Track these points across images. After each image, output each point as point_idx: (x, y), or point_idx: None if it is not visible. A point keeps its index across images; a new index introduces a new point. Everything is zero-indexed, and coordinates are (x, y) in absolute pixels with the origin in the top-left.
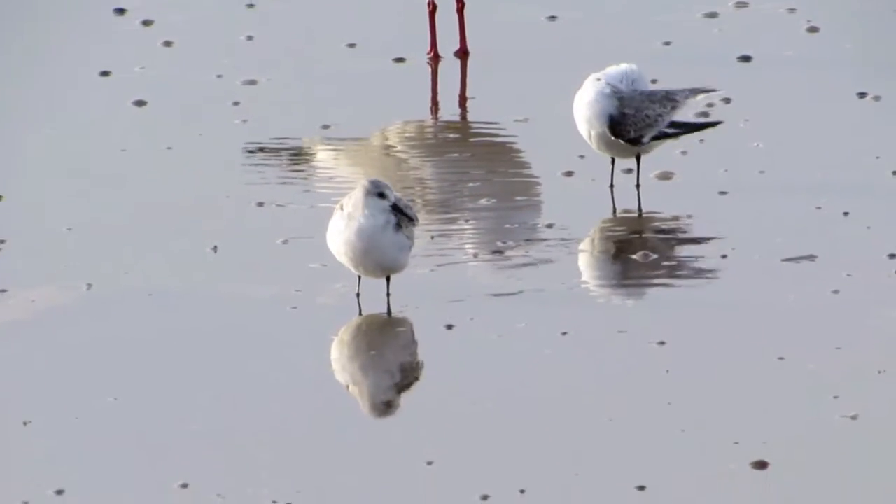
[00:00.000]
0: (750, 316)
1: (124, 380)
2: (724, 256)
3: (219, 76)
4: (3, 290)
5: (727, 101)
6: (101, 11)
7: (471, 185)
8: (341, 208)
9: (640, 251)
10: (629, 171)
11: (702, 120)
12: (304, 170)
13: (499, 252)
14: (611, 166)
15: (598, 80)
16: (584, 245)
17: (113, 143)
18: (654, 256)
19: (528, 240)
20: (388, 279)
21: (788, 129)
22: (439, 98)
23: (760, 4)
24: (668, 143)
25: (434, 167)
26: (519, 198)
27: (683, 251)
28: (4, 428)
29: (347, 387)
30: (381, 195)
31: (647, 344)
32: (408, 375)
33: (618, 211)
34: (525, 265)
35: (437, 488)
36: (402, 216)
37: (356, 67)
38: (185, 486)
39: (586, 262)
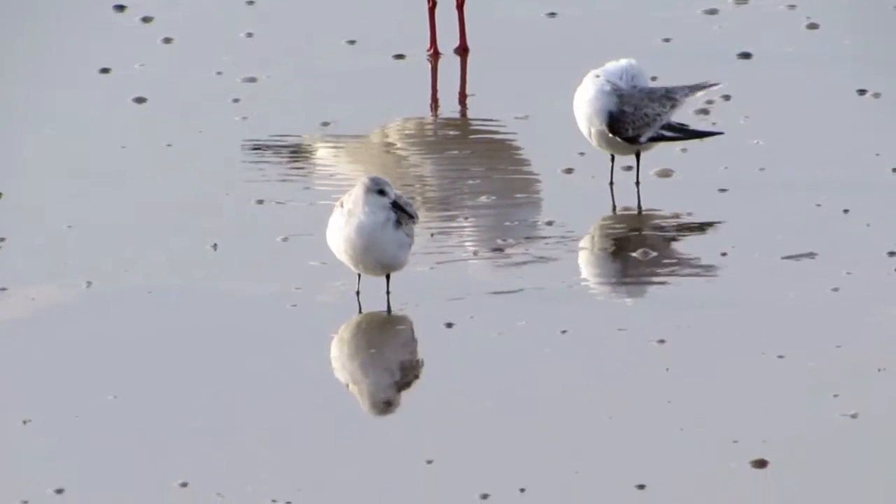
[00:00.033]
0: (750, 314)
1: (124, 378)
2: (723, 254)
3: (219, 73)
4: (3, 288)
5: (727, 98)
6: (101, 8)
7: (471, 182)
8: (341, 205)
9: (640, 249)
10: (629, 168)
11: (702, 129)
12: (304, 167)
13: (499, 250)
14: (610, 164)
15: (598, 76)
16: (584, 243)
17: (113, 140)
18: (654, 254)
19: (527, 237)
20: (387, 277)
21: (788, 126)
22: (439, 95)
23: (760, 1)
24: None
25: (434, 164)
26: (519, 195)
27: (683, 249)
28: (4, 426)
29: (347, 385)
30: (382, 192)
31: (647, 342)
32: (407, 374)
33: (618, 208)
34: (525, 263)
35: (437, 487)
36: (402, 213)
37: (356, 64)
38: (184, 484)
39: (586, 260)
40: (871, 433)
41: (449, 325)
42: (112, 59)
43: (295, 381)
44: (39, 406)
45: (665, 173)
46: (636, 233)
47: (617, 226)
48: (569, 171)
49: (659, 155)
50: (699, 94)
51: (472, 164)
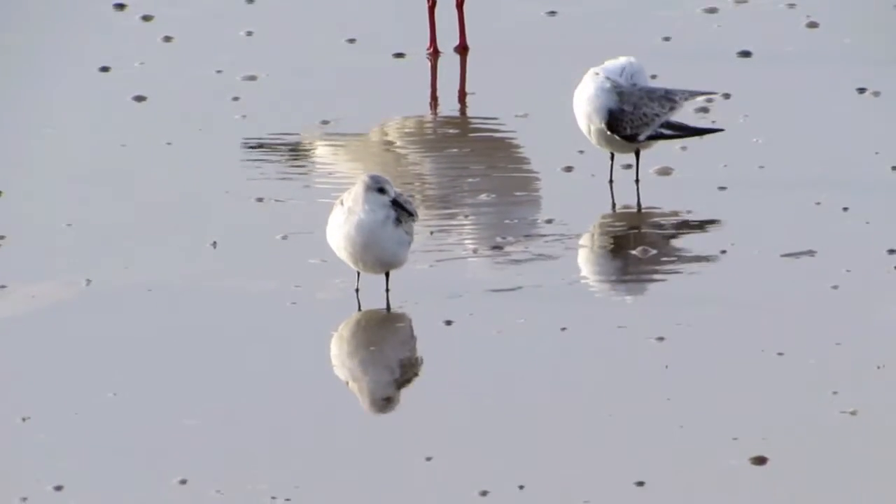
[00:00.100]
0: (749, 311)
1: (123, 375)
2: (723, 252)
3: (218, 71)
4: (3, 286)
5: (726, 96)
6: (101, 7)
7: (470, 180)
8: (341, 203)
9: (640, 247)
10: (628, 166)
11: (702, 126)
12: (303, 165)
13: (498, 247)
14: (610, 162)
15: (597, 74)
16: (584, 240)
17: (112, 138)
18: (654, 252)
19: (527, 235)
20: (387, 275)
21: (788, 124)
22: (439, 93)
23: (760, 0)
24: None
25: (433, 162)
26: (518, 193)
27: (683, 247)
28: (4, 423)
29: (347, 382)
30: (381, 190)
31: (647, 339)
32: (407, 371)
33: (617, 206)
34: (524, 261)
35: (437, 484)
36: (402, 211)
37: (356, 63)
38: (184, 481)
39: (586, 258)
40: (871, 430)
41: (448, 323)
42: (112, 57)
43: (294, 378)
44: (39, 403)
45: (665, 171)
46: (636, 231)
47: (616, 224)
48: (568, 169)
49: (658, 153)
50: (698, 98)
51: (471, 162)
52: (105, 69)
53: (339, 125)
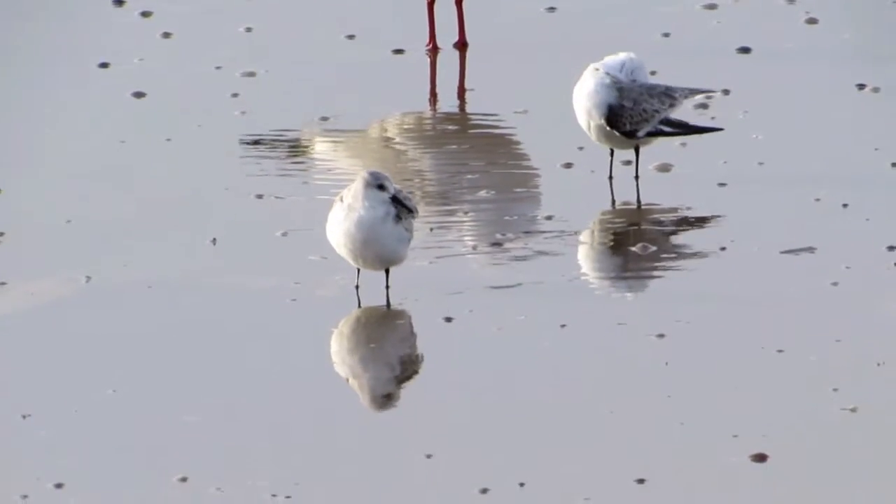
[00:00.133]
0: (749, 308)
1: (123, 372)
2: (723, 248)
3: (218, 68)
4: (3, 283)
5: (726, 92)
6: (100, 3)
7: (470, 176)
8: (341, 200)
9: (640, 243)
10: (628, 162)
11: (701, 124)
12: (303, 162)
13: (498, 244)
14: (610, 158)
15: (597, 70)
16: (584, 237)
17: (112, 135)
18: (653, 248)
19: (527, 232)
20: (387, 271)
21: (787, 120)
22: (438, 90)
23: None
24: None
25: (433, 159)
26: (518, 190)
27: (682, 243)
28: (4, 421)
29: (347, 379)
30: (381, 187)
31: (647, 336)
32: (407, 368)
33: (617, 203)
34: (524, 257)
35: (437, 481)
36: (401, 208)
37: (355, 59)
38: (184, 479)
39: (585, 255)
40: (871, 427)
41: (448, 320)
42: (111, 53)
43: (294, 375)
44: (39, 400)
45: (664, 168)
46: (635, 227)
47: (616, 220)
48: (568, 165)
49: (658, 149)
50: (698, 97)
51: (471, 158)
52: (104, 65)
53: (338, 121)
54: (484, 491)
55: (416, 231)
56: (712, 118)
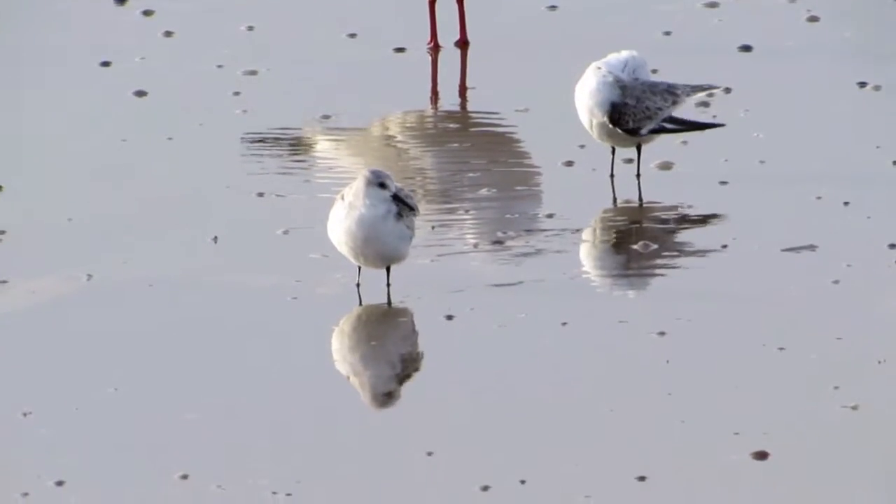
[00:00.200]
0: (750, 306)
1: (124, 370)
2: (724, 246)
3: (219, 66)
4: (4, 281)
5: (727, 90)
6: (102, 1)
7: (471, 175)
8: (342, 198)
9: (641, 241)
10: (630, 160)
11: (703, 120)
12: (304, 160)
13: (499, 242)
14: (611, 156)
15: (599, 68)
16: (585, 235)
17: (113, 133)
18: (655, 246)
19: (528, 230)
20: (388, 269)
21: (789, 119)
22: (439, 88)
23: None
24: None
25: (434, 157)
26: (519, 188)
27: (684, 241)
28: (4, 419)
29: (348, 377)
30: (382, 185)
31: (648, 334)
32: (408, 366)
33: (618, 201)
34: (525, 255)
35: (438, 479)
36: (403, 206)
37: (356, 57)
38: (185, 476)
39: (587, 253)
40: (872, 425)
41: (449, 318)
42: (113, 52)
43: (295, 373)
44: (40, 398)
45: (666, 166)
46: (637, 225)
47: (618, 218)
48: (569, 163)
49: (660, 147)
50: (700, 94)
51: (472, 156)
52: (106, 64)
53: (339, 120)
54: (485, 488)
55: (418, 229)
56: (714, 116)
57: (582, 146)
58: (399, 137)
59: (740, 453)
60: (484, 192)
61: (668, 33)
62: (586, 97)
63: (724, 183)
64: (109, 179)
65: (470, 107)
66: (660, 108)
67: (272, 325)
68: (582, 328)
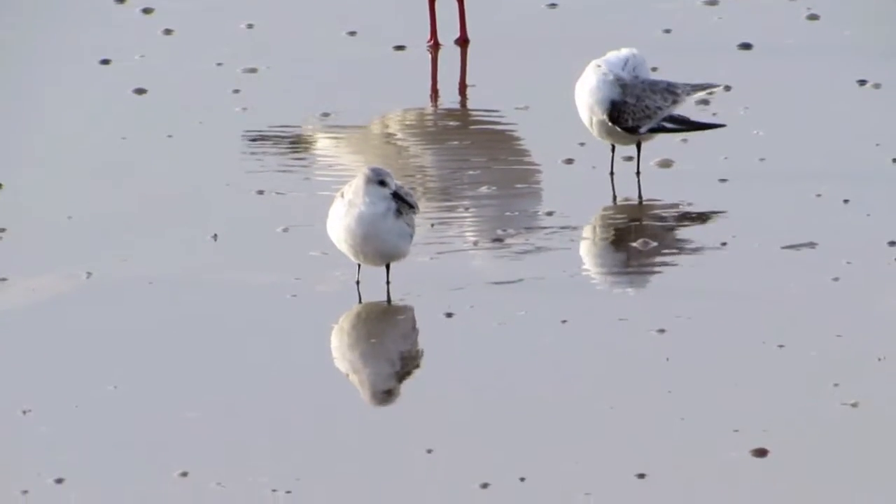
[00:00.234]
0: (750, 303)
1: (124, 368)
2: (724, 244)
3: (219, 64)
4: (4, 279)
5: (727, 88)
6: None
7: (471, 172)
8: (341, 196)
9: (641, 239)
10: (629, 158)
11: (703, 120)
12: (304, 158)
13: (499, 240)
14: (611, 154)
15: (599, 66)
16: (585, 233)
17: (113, 131)
18: (655, 244)
19: (528, 227)
20: (387, 267)
21: (788, 116)
22: (439, 86)
23: None
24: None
25: (434, 155)
26: (519, 185)
27: (683, 239)
28: (4, 416)
29: (347, 375)
30: (382, 183)
31: (648, 332)
32: (408, 364)
33: (618, 199)
34: (525, 253)
35: (437, 476)
36: (402, 204)
37: (356, 55)
38: (184, 474)
39: (587, 250)
40: (872, 422)
41: (449, 315)
42: (112, 50)
43: (295, 370)
44: (39, 396)
45: (666, 163)
46: (637, 223)
47: (617, 216)
48: (569, 161)
49: (659, 145)
50: (700, 93)
51: (472, 154)
52: (105, 62)
53: (339, 118)
54: (484, 486)
55: (418, 227)
56: (713, 114)
57: (582, 144)
58: (399, 135)
59: (740, 450)
60: (484, 189)
61: (667, 31)
62: (586, 95)
63: (723, 180)
64: (109, 177)
65: (470, 105)
66: (659, 107)
67: (272, 322)
68: (582, 326)
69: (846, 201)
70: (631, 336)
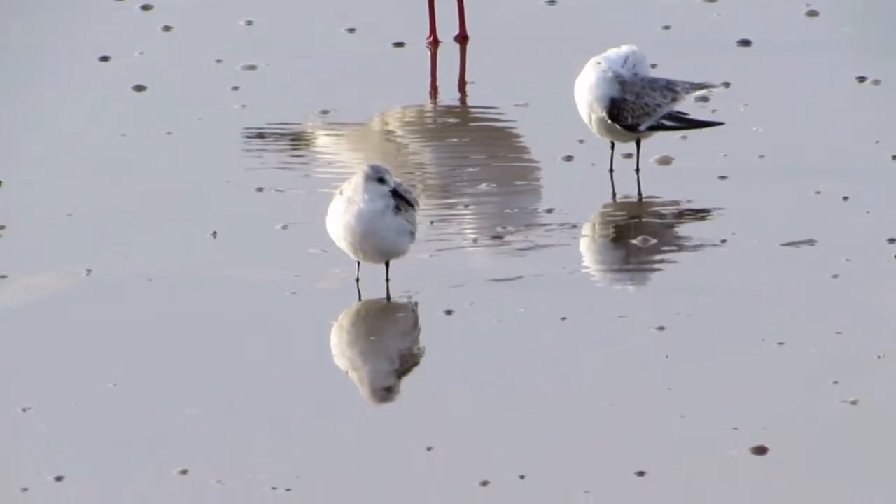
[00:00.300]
0: (750, 301)
1: (124, 366)
2: (723, 241)
3: (218, 61)
4: (3, 276)
5: (726, 85)
6: None
7: (470, 169)
8: (341, 193)
9: (640, 236)
10: (629, 155)
11: (702, 118)
12: (303, 155)
13: (498, 237)
14: (610, 151)
15: (599, 63)
16: (584, 230)
17: (112, 128)
18: (654, 241)
19: (527, 225)
20: (387, 264)
21: (788, 113)
22: (439, 83)
23: None
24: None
25: (434, 152)
26: (519, 182)
27: (683, 236)
28: (4, 414)
29: (347, 372)
30: (381, 180)
31: (647, 329)
32: (407, 361)
33: (618, 196)
34: (525, 250)
35: (437, 474)
36: (401, 201)
37: (356, 52)
38: (184, 472)
39: (586, 247)
40: (872, 420)
41: (449, 313)
42: (111, 47)
43: (294, 368)
44: (39, 394)
45: (665, 161)
46: (636, 220)
47: (617, 213)
48: (569, 158)
49: (659, 142)
50: (699, 92)
51: (472, 151)
52: (105, 59)
53: (339, 115)
54: (484, 483)
55: (418, 224)
56: (713, 111)
57: (581, 141)
58: (398, 132)
59: (739, 448)
60: (483, 186)
61: (667, 28)
62: (586, 92)
63: (723, 177)
64: (109, 174)
65: (469, 102)
66: (659, 105)
67: (271, 320)
68: (581, 323)
69: (846, 198)
70: (630, 333)
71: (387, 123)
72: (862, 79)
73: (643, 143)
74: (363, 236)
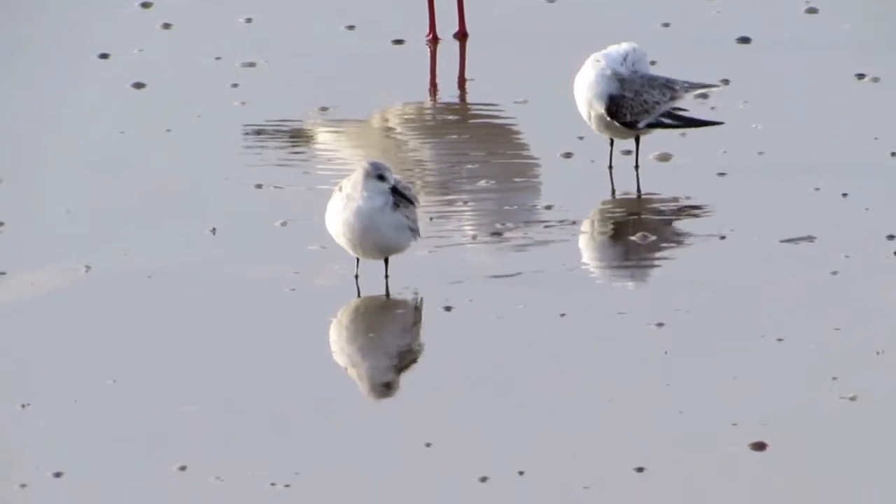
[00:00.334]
0: (749, 297)
1: (123, 362)
2: (722, 238)
3: (217, 58)
4: (3, 273)
5: (726, 82)
6: None
7: (470, 166)
8: (340, 190)
9: (639, 233)
10: (628, 152)
11: (701, 117)
12: (302, 152)
13: (498, 234)
14: (610, 148)
15: (598, 60)
16: (584, 226)
17: (112, 125)
18: (653, 238)
19: (527, 221)
20: (386, 261)
21: (787, 110)
22: (438, 80)
23: None
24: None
25: (433, 149)
26: (518, 179)
27: (682, 232)
28: (3, 410)
29: (346, 369)
30: (381, 177)
31: (646, 325)
32: (406, 357)
33: (617, 192)
34: (524, 247)
35: (436, 470)
36: (401, 198)
37: (355, 49)
38: (183, 468)
39: (585, 244)
40: (870, 416)
41: (448, 309)
42: (111, 44)
43: (293, 365)
44: (38, 390)
45: (664, 157)
46: (635, 217)
47: (616, 210)
48: (568, 155)
49: (658, 139)
50: (698, 91)
51: (471, 148)
52: (104, 56)
53: (338, 112)
54: (483, 479)
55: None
56: (712, 108)
57: (581, 138)
58: (398, 129)
59: (739, 444)
60: (483, 183)
61: (666, 25)
62: (585, 89)
63: (722, 174)
64: (108, 171)
65: (469, 99)
66: (658, 102)
67: (270, 316)
68: (580, 319)
69: (845, 195)
70: (630, 330)
71: (386, 120)
72: (861, 76)
73: (642, 139)
74: (362, 233)
